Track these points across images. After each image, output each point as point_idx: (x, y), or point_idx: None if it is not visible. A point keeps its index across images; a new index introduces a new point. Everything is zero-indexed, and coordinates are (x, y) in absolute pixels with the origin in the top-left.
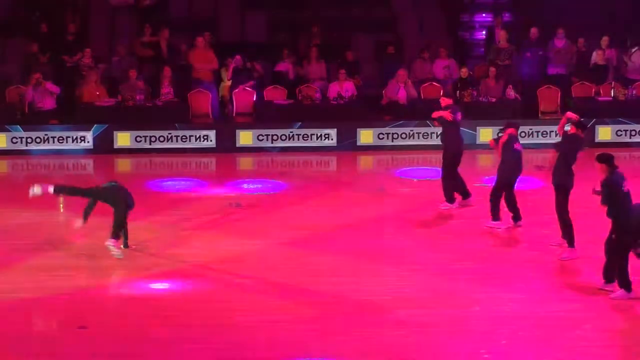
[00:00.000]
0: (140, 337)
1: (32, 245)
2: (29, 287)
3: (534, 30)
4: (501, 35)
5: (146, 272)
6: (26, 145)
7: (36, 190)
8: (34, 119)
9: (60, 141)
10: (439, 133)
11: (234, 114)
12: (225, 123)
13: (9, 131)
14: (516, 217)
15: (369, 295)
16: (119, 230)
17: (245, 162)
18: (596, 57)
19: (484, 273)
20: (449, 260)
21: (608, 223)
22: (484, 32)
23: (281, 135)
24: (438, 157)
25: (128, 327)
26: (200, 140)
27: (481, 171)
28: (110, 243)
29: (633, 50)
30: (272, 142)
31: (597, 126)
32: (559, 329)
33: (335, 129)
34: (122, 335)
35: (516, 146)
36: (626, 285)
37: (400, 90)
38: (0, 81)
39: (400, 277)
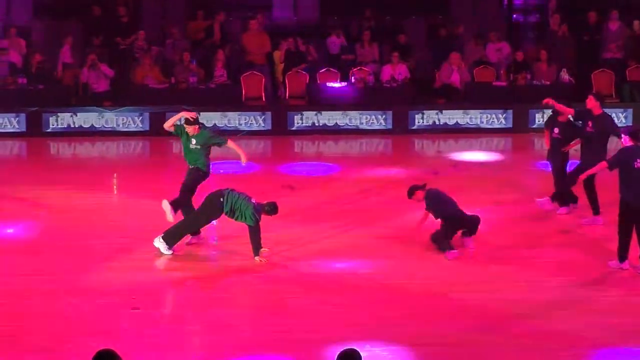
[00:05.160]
0: (192, 320)
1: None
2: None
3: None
4: (554, 19)
5: (198, 255)
6: (80, 127)
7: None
8: (88, 101)
9: (114, 123)
10: (493, 117)
11: (286, 97)
12: (278, 106)
13: (64, 112)
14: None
15: (422, 280)
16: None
17: (298, 145)
18: None
19: (537, 257)
20: (502, 245)
21: None
22: (537, 15)
23: (334, 118)
24: (491, 140)
25: (180, 310)
26: (253, 123)
27: (537, 155)
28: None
29: None
30: (324, 125)
31: None
32: (611, 312)
33: (389, 112)
34: (174, 317)
35: None
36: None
37: (453, 73)
38: (56, 64)
39: (453, 262)
